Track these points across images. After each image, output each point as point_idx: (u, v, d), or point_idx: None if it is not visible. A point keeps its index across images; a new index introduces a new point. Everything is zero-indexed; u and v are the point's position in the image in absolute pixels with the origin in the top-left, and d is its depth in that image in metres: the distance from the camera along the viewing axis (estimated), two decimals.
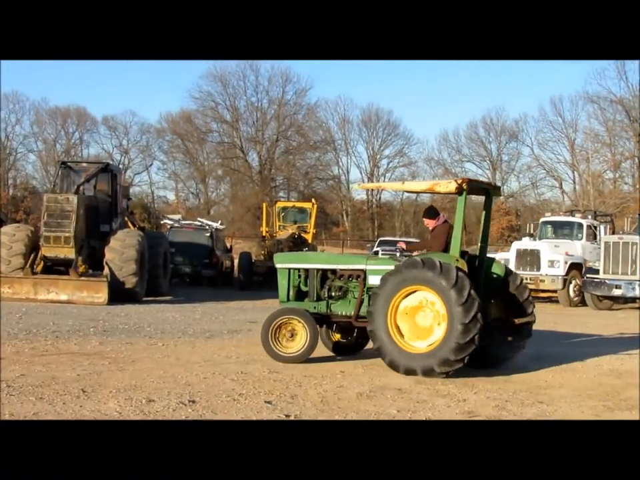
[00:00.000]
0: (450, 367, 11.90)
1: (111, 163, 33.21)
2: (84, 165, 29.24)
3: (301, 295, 13.77)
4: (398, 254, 13.42)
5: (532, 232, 33.91)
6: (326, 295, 13.54)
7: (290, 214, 39.82)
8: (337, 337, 14.34)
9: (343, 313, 13.42)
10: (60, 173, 27.56)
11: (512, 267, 30.97)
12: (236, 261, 38.51)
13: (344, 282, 13.51)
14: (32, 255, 24.21)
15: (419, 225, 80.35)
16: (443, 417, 9.38)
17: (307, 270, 13.71)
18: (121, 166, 65.54)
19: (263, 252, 37.42)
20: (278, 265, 13.89)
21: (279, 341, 13.07)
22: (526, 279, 30.66)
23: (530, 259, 31.41)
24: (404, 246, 13.99)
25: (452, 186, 12.50)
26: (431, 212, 13.81)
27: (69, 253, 23.90)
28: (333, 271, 13.57)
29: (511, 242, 40.25)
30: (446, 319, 11.96)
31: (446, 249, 12.79)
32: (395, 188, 14.98)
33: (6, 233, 25.15)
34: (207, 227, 37.55)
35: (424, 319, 12.33)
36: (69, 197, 24.49)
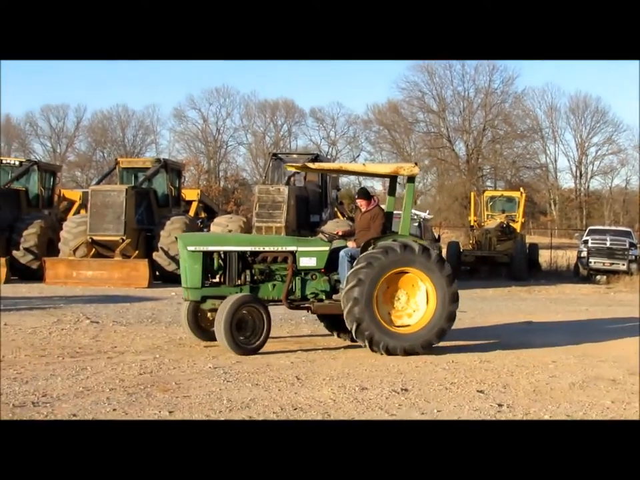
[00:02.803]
0: (444, 335, 12.69)
1: (320, 154, 33.63)
2: (294, 156, 29.80)
3: (220, 281, 12.91)
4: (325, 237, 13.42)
5: None
6: (248, 279, 12.87)
7: (498, 203, 39.37)
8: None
9: (271, 297, 12.85)
10: (271, 165, 28.16)
11: None
12: (444, 251, 38.41)
13: (269, 264, 12.94)
14: None
15: (628, 214, 77.98)
16: None
17: (225, 253, 12.81)
18: (329, 157, 66.32)
19: (471, 241, 37.30)
20: (190, 248, 12.53)
21: (237, 332, 12.07)
22: None
23: None
24: (340, 232, 13.80)
25: (416, 170, 13.12)
26: (367, 193, 13.61)
27: None
28: (256, 253, 12.90)
29: None
30: (434, 294, 12.51)
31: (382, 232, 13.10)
32: (357, 169, 13.99)
33: (219, 224, 25.90)
34: (415, 217, 37.47)
35: (400, 300, 12.64)
36: (280, 188, 24.98)
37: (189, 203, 32.39)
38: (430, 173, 78.86)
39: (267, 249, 12.91)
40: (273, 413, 8.37)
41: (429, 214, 40.84)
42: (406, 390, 9.69)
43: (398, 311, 12.64)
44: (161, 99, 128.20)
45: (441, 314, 12.48)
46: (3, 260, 25.08)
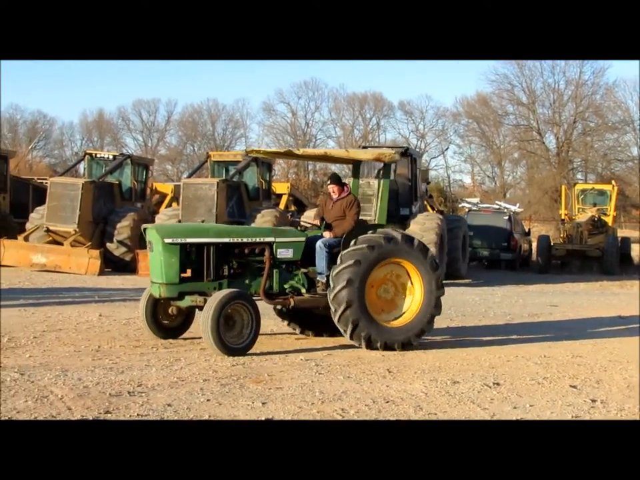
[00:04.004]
0: (422, 337, 12.30)
1: (410, 147, 33.56)
2: (384, 149, 29.70)
3: (194, 275, 11.99)
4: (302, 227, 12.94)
5: None
6: (226, 273, 12.12)
7: (589, 196, 38.89)
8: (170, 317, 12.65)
9: (251, 291, 12.10)
10: None
11: None
12: (534, 244, 38.07)
13: (246, 257, 12.26)
14: None
15: None
16: None
17: (202, 245, 11.90)
18: (417, 149, 66.10)
19: (561, 235, 36.88)
20: (167, 240, 11.65)
21: (226, 330, 11.22)
22: None
23: None
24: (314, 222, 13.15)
25: (397, 156, 12.94)
26: (340, 179, 12.92)
27: None
28: (234, 245, 12.17)
29: None
30: (421, 292, 12.14)
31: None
32: (341, 155, 13.14)
33: (309, 217, 25.91)
34: (505, 210, 37.27)
35: (386, 292, 12.20)
36: (370, 181, 25.01)
37: (279, 196, 32.63)
38: (520, 165, 78.20)
39: (245, 240, 12.20)
40: (365, 405, 8.42)
41: (518, 207, 40.56)
42: (498, 384, 9.66)
43: (383, 302, 12.22)
44: (251, 92, 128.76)
45: (425, 314, 12.15)
46: (97, 252, 25.52)
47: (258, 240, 12.24)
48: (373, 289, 12.08)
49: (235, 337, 11.32)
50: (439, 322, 15.24)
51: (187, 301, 11.82)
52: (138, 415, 7.76)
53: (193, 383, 9.30)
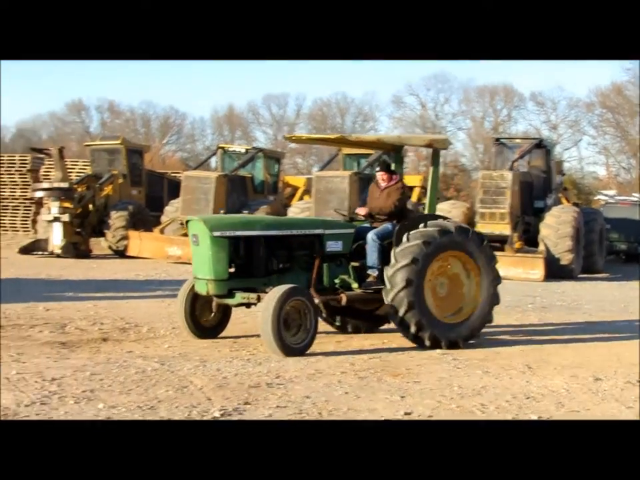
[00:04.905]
0: (483, 329, 11.90)
1: (544, 138, 33.06)
2: (517, 141, 29.34)
3: (241, 271, 11.24)
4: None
5: None
6: (275, 268, 11.38)
7: None
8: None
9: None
10: (494, 150, 27.91)
11: None
12: None
13: (296, 250, 11.58)
14: None
15: None
16: None
17: (251, 238, 11.19)
18: (549, 141, 65.00)
19: None
20: (215, 233, 10.80)
21: (285, 330, 10.45)
22: None
23: None
24: (363, 212, 12.22)
25: (448, 142, 12.66)
26: (389, 167, 12.19)
27: (504, 229, 24.19)
28: (282, 238, 11.45)
29: None
30: (479, 283, 11.67)
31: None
32: (392, 141, 12.15)
33: (441, 210, 25.82)
34: None
35: (441, 287, 11.64)
36: (504, 173, 24.77)
37: (411, 188, 32.36)
38: None
39: (294, 232, 11.52)
40: (505, 401, 8.27)
41: None
42: None
43: (441, 298, 11.66)
44: (379, 86, 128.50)
45: (485, 305, 11.65)
46: None
47: (308, 232, 11.61)
48: (430, 286, 11.54)
49: (294, 335, 10.62)
50: (577, 317, 15.03)
51: (238, 299, 11.09)
52: (277, 406, 7.77)
53: (331, 375, 9.28)
